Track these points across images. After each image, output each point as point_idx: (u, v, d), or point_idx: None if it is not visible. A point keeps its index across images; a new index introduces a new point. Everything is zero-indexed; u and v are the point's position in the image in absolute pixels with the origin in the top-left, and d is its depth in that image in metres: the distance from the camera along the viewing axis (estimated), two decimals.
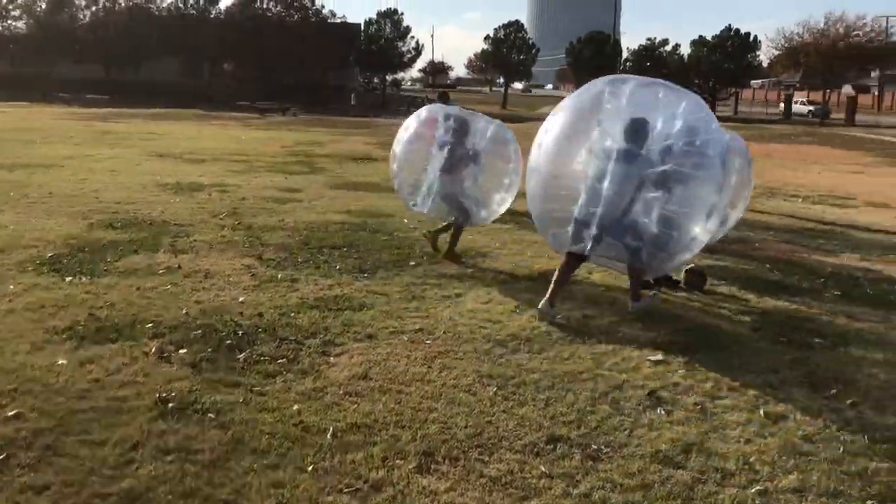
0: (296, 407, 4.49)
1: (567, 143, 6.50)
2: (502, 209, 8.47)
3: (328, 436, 4.16)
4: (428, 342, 5.66)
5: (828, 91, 60.34)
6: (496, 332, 5.94)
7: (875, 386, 5.09)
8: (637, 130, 6.04)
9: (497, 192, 8.32)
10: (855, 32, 55.81)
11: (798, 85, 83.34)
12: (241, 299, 6.53)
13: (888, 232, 11.67)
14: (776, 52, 62.43)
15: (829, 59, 55.36)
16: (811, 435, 4.35)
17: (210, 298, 6.54)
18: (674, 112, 6.01)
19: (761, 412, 4.63)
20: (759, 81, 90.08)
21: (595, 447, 4.15)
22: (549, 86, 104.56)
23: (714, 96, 61.24)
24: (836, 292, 7.49)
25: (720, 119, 6.75)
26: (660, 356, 5.53)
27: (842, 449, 4.19)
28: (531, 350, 5.60)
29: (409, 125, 8.66)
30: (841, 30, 55.63)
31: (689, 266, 7.50)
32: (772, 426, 4.47)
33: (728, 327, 6.30)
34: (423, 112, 8.84)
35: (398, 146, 8.63)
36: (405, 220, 10.44)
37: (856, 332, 6.26)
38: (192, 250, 8.27)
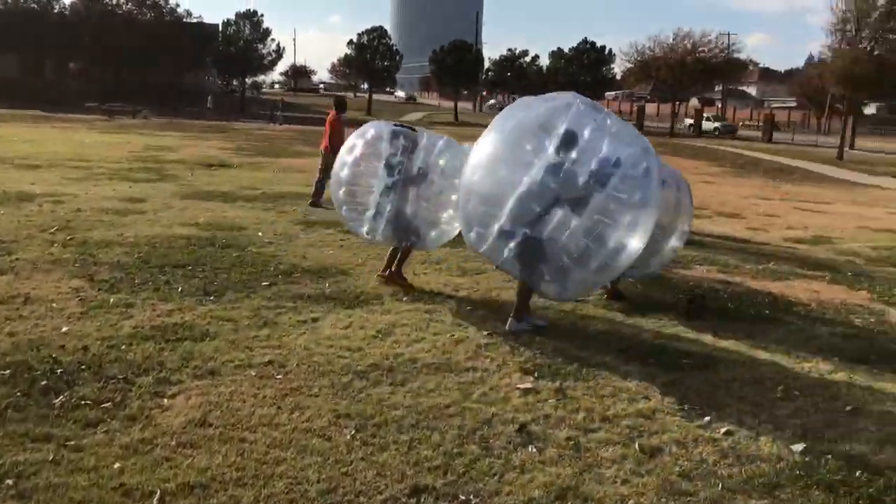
0: (117, 465, 3.83)
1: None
2: (454, 229, 7.80)
3: (154, 500, 3.54)
4: (279, 377, 5.09)
5: (676, 104, 63.37)
6: (356, 362, 5.44)
7: (746, 411, 4.94)
8: (568, 143, 5.75)
9: (447, 211, 7.65)
10: (700, 48, 58.81)
11: (649, 97, 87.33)
12: (63, 329, 5.73)
13: (743, 241, 12.01)
14: (629, 65, 64.94)
15: (677, 73, 58.13)
16: (689, 471, 4.11)
17: (26, 329, 5.70)
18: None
19: (636, 446, 4.36)
20: (613, 93, 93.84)
21: (463, 498, 3.74)
22: (401, 93, 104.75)
23: None
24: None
25: None
26: (529, 384, 5.20)
27: (720, 486, 3.96)
28: (394, 382, 5.14)
29: (355, 145, 7.95)
30: (688, 45, 58.49)
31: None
32: (648, 462, 4.19)
33: (596, 349, 6.06)
34: (368, 130, 8.22)
35: (344, 170, 7.84)
36: (260, 234, 9.77)
37: (722, 351, 6.17)
38: (11, 271, 7.31)
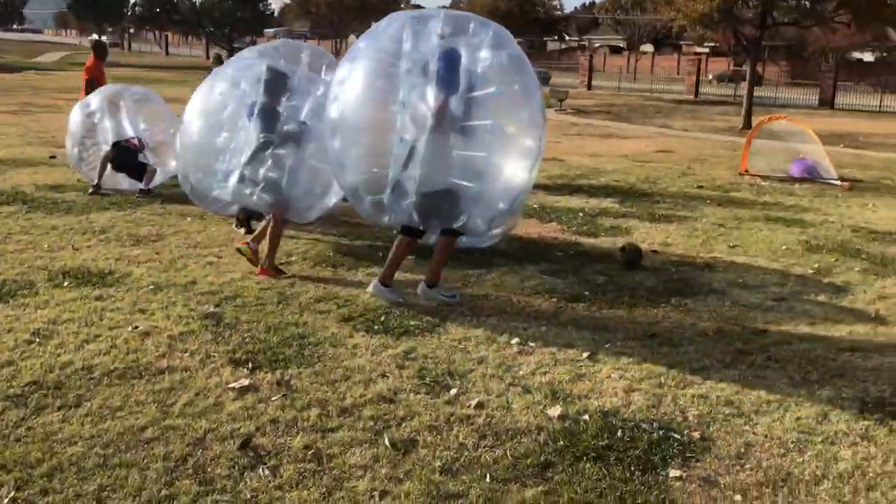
0: None
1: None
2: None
3: None
4: None
5: (337, 41, 63.20)
6: (6, 383, 4.10)
7: (490, 374, 4.50)
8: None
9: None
10: None
11: (309, 35, 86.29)
12: None
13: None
14: (287, 2, 63.41)
15: (336, 9, 57.89)
16: (450, 464, 3.53)
17: None
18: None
19: (386, 442, 3.68)
20: (273, 30, 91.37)
21: None
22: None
23: (231, 45, 60.16)
24: None
25: None
26: (244, 379, 4.28)
27: (489, 477, 3.43)
28: (65, 404, 3.92)
29: (215, 85, 6.47)
30: None
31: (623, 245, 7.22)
32: (403, 460, 3.54)
33: (314, 320, 5.28)
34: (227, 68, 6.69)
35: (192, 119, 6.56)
36: None
37: (445, 307, 5.71)
38: None
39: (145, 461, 3.44)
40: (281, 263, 6.57)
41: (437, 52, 5.19)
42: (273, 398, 4.08)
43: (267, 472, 3.40)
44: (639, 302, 5.99)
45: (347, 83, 5.45)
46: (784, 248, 7.97)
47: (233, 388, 4.16)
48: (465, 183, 5.23)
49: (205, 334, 4.92)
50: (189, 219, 8.28)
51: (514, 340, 5.03)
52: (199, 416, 3.86)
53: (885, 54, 58.33)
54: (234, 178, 6.19)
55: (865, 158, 16.95)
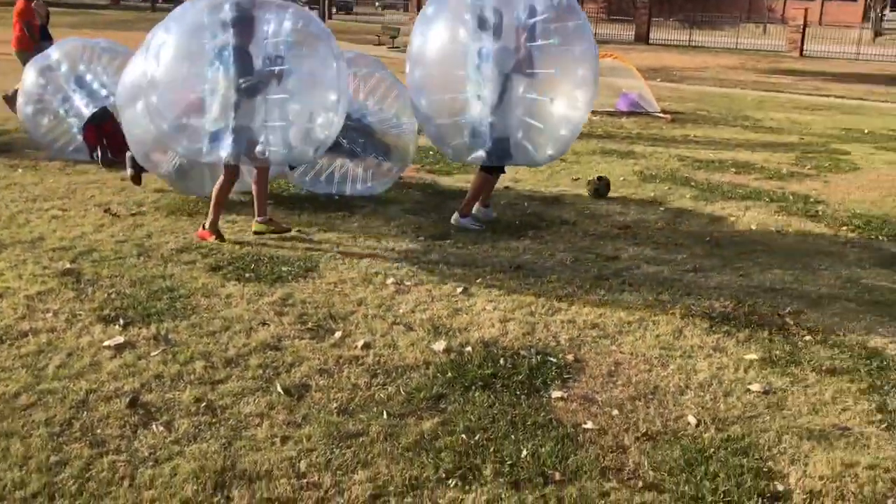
0: None
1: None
2: (331, 135, 5.70)
3: None
4: None
5: None
6: None
7: (371, 315, 4.57)
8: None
9: (321, 114, 5.60)
10: None
11: None
12: None
13: None
14: None
15: None
16: (346, 405, 3.60)
17: None
18: None
19: (279, 388, 3.69)
20: None
21: None
22: None
23: None
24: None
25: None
26: (118, 336, 4.13)
27: (386, 414, 3.53)
28: None
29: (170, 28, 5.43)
30: None
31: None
32: (299, 405, 3.57)
33: (181, 271, 5.12)
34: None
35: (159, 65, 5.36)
36: None
37: (316, 250, 5.69)
38: None
39: (25, 429, 3.28)
40: (133, 214, 6.29)
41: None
42: (153, 353, 3.97)
43: (161, 428, 3.34)
44: (500, 237, 6.22)
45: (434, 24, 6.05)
46: (622, 178, 8.48)
47: (108, 347, 4.01)
48: (535, 123, 5.90)
49: (66, 292, 4.67)
50: (20, 170, 7.69)
51: (390, 280, 5.12)
52: (76, 378, 3.70)
53: None
54: (228, 138, 5.37)
55: (681, 91, 18.09)
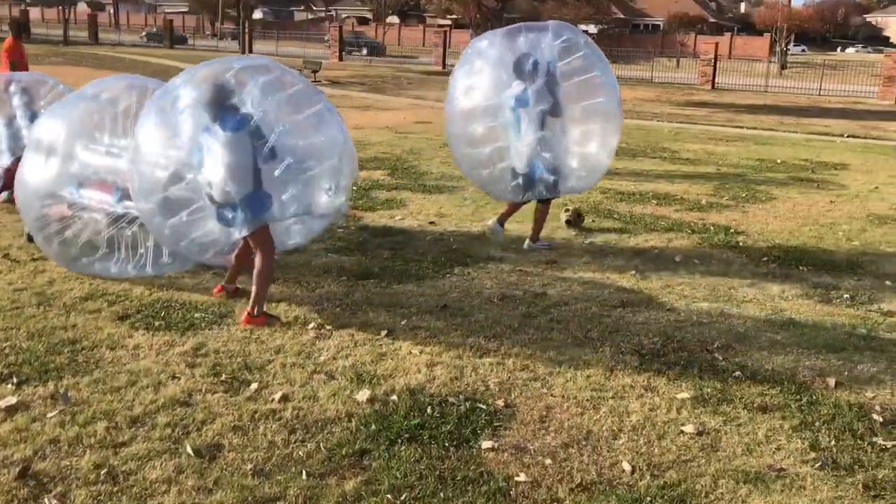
0: None
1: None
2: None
3: None
4: None
5: (63, 8, 57.55)
6: None
7: (290, 364, 4.32)
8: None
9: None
10: None
11: (28, 1, 77.92)
12: None
13: None
14: None
15: None
16: (262, 465, 3.34)
17: None
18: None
19: (188, 449, 3.41)
20: None
21: None
22: None
23: None
24: None
25: None
26: (11, 397, 3.77)
27: (305, 474, 3.29)
28: None
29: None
30: None
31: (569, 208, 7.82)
32: (210, 467, 3.30)
33: (85, 320, 4.77)
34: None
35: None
36: None
37: (237, 301, 5.42)
38: None
39: None
40: (34, 259, 5.90)
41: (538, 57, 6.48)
42: (50, 415, 3.64)
43: (54, 501, 3.03)
44: (426, 274, 6.06)
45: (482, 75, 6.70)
46: None
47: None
48: (573, 164, 6.75)
49: None
50: None
51: (311, 325, 4.88)
52: None
53: (605, 26, 63.63)
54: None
55: None
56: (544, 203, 6.97)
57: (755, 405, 4.04)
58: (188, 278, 5.66)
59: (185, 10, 79.75)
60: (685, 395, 4.12)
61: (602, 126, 6.70)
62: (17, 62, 10.45)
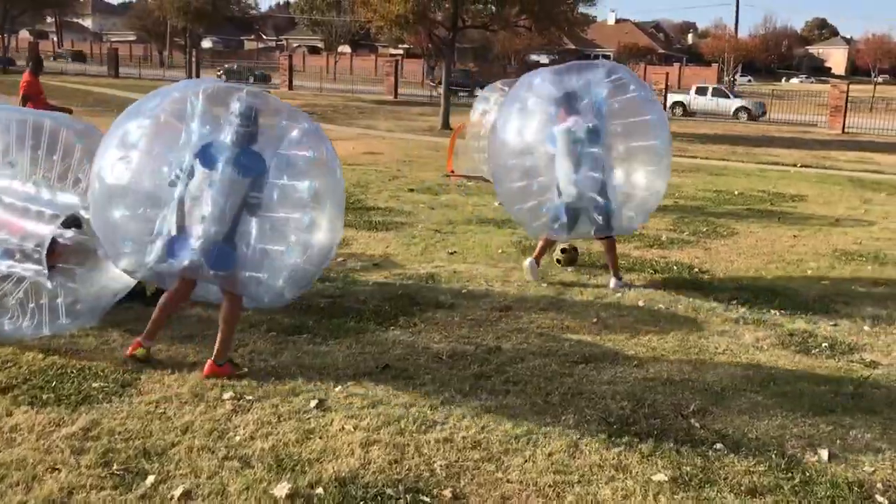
0: None
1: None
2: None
3: None
4: None
5: (6, 36, 55.90)
6: None
7: (199, 447, 3.64)
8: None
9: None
10: None
11: None
12: None
13: None
14: None
15: (3, 2, 51.36)
16: None
17: None
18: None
19: None
20: None
21: None
22: None
23: None
24: None
25: None
26: None
27: None
28: None
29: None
30: None
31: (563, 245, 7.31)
32: None
33: None
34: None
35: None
36: None
37: (144, 366, 4.71)
38: None
39: None
40: None
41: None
42: None
43: None
44: (366, 326, 5.43)
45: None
46: (500, 251, 7.90)
47: None
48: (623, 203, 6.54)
49: None
50: None
51: (227, 395, 4.21)
52: None
53: (557, 56, 64.11)
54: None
55: None
56: (608, 240, 6.74)
57: (742, 488, 3.48)
58: (93, 337, 4.94)
59: (133, 38, 78.37)
60: (662, 476, 3.54)
61: (653, 167, 6.57)
62: (30, 97, 9.64)
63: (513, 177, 6.65)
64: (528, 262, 6.87)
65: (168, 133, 4.38)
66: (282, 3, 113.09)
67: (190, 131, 4.31)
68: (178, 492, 3.25)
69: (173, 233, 4.26)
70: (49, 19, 75.44)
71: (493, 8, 26.18)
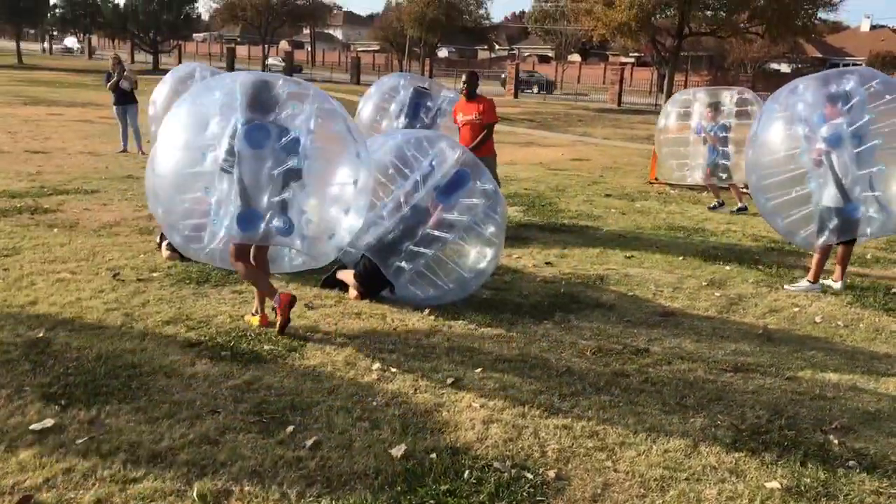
0: None
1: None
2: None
3: None
4: None
5: (267, 46, 62.08)
6: None
7: (338, 407, 4.05)
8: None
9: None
10: None
11: (238, 39, 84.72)
12: None
13: None
14: (215, 6, 62.28)
15: (265, 15, 57.10)
16: None
17: None
18: None
19: (193, 494, 3.20)
20: (202, 35, 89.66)
21: None
22: None
23: (156, 48, 58.66)
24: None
25: None
26: (50, 419, 3.74)
27: None
28: None
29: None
30: None
31: None
32: None
33: (155, 346, 4.76)
34: None
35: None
36: None
37: (307, 327, 5.26)
38: None
39: None
40: (140, 279, 6.06)
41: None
42: (78, 441, 3.56)
43: None
44: (520, 319, 5.64)
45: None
46: (681, 258, 7.76)
47: (33, 431, 3.63)
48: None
49: (23, 364, 4.36)
50: (56, 230, 7.64)
51: (376, 366, 4.61)
52: None
53: (799, 66, 60.07)
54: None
55: None
56: (848, 244, 6.72)
57: None
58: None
59: (377, 48, 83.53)
60: (776, 484, 3.45)
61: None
62: None
63: (777, 186, 6.59)
64: (805, 284, 6.77)
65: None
66: (517, 13, 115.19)
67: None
68: (310, 442, 3.66)
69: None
70: (305, 30, 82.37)
71: (723, 14, 25.26)
